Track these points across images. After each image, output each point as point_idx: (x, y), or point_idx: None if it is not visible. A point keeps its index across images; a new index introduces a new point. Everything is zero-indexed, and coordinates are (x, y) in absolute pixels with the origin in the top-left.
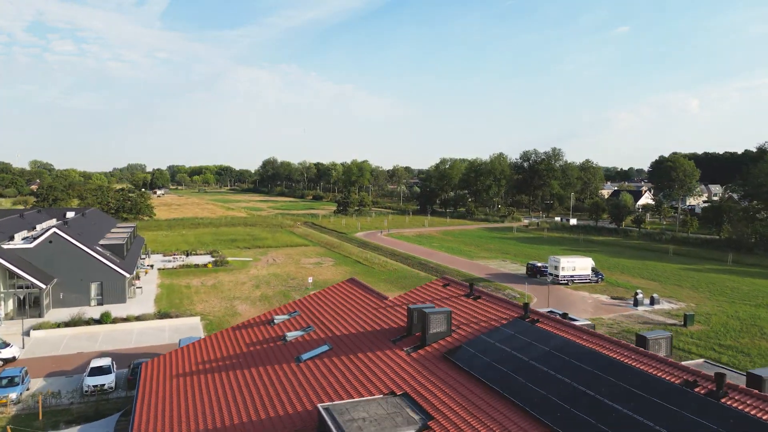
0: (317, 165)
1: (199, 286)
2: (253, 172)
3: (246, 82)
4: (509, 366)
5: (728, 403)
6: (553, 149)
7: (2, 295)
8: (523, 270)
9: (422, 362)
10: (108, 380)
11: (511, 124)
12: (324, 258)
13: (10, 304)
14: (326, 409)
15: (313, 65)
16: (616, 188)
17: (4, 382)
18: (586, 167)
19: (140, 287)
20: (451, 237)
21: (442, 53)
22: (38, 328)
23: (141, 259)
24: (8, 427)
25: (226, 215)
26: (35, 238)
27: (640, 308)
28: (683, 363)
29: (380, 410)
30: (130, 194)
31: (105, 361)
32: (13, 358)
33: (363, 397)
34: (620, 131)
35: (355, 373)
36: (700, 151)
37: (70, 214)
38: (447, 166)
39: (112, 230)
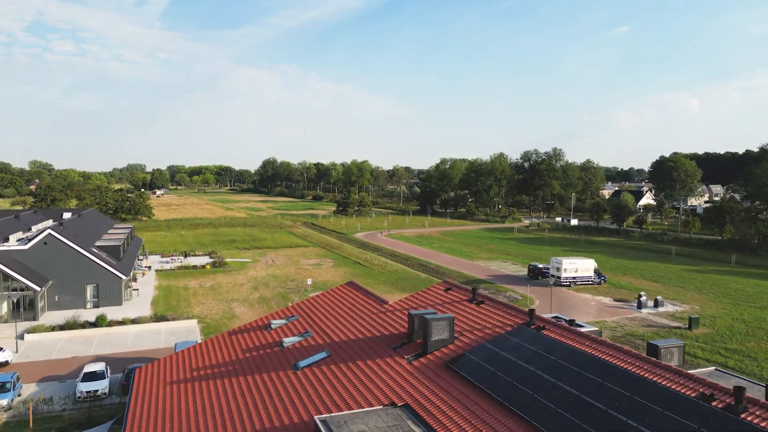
0: (317, 165)
1: (197, 287)
2: (252, 172)
3: (246, 82)
4: (515, 376)
5: (748, 418)
6: (554, 149)
7: None
8: (524, 271)
9: (424, 371)
10: (101, 386)
11: (511, 124)
12: (323, 259)
13: (4, 307)
14: (323, 422)
15: (313, 65)
16: (616, 188)
17: None
18: (587, 167)
19: (137, 289)
20: (452, 237)
21: (442, 53)
22: (32, 332)
23: (138, 260)
24: None
25: (225, 215)
26: (30, 240)
27: (644, 311)
28: (693, 371)
29: (380, 423)
30: (129, 194)
31: (99, 366)
32: (6, 363)
33: (362, 407)
34: (620, 131)
35: (353, 381)
36: (700, 151)
37: (66, 215)
38: (447, 166)
39: (109, 231)
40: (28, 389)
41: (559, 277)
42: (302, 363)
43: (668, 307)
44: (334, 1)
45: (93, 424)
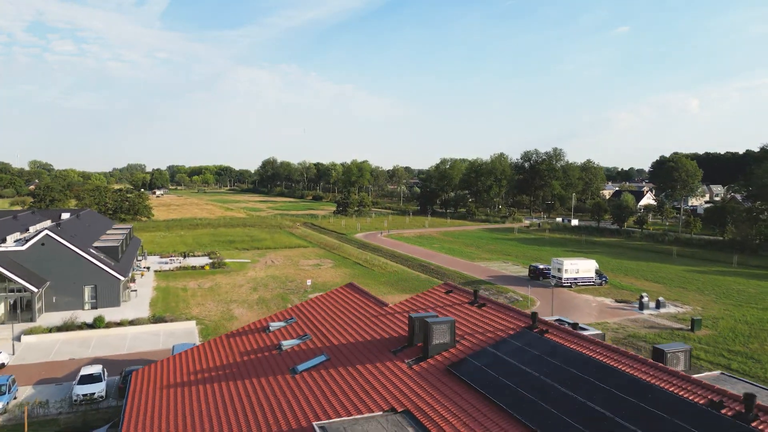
0: (317, 165)
1: (196, 288)
2: (252, 172)
3: (246, 82)
4: (518, 382)
5: (759, 427)
6: (555, 149)
7: None
8: (524, 272)
9: (424, 376)
10: (98, 389)
11: (512, 124)
12: (323, 260)
13: (1, 309)
14: (322, 428)
15: (313, 65)
16: (617, 188)
17: None
18: (588, 167)
19: (135, 290)
20: (452, 238)
21: (442, 53)
22: (29, 333)
23: (137, 261)
24: None
25: (224, 216)
26: (27, 241)
27: (646, 312)
28: (699, 375)
29: (380, 429)
30: (128, 195)
31: (95, 369)
32: (2, 365)
33: (362, 413)
34: (620, 131)
35: (353, 386)
36: (700, 151)
37: (65, 216)
38: (447, 166)
39: (108, 232)
40: (24, 392)
41: (561, 278)
42: (301, 367)
43: (670, 309)
44: (334, 1)
45: (89, 428)
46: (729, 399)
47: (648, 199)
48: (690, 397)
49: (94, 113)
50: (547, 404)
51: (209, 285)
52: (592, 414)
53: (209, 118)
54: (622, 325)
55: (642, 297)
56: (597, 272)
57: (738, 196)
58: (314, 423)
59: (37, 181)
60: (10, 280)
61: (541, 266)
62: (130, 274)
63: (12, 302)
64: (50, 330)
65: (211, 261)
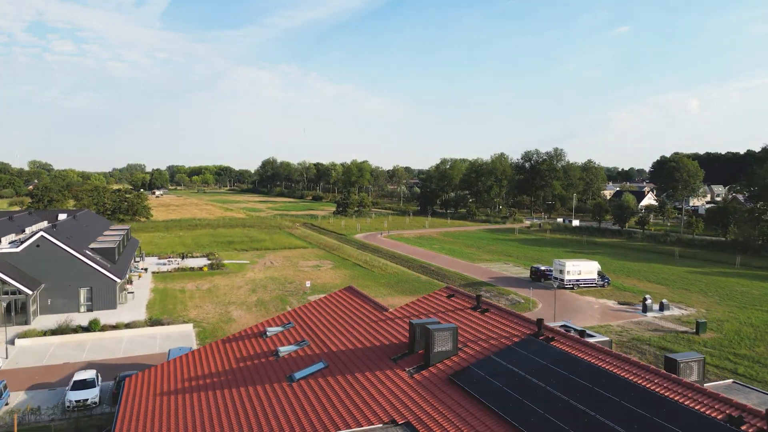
0: (317, 165)
1: (194, 290)
2: (252, 172)
3: (246, 82)
4: (524, 393)
5: None
6: (555, 149)
7: None
8: (526, 273)
9: (426, 385)
10: (92, 395)
11: (512, 124)
12: (323, 261)
13: None
14: None
15: (313, 65)
16: (618, 189)
17: None
18: (588, 167)
19: (132, 292)
20: (452, 238)
21: (442, 54)
22: (23, 336)
23: (135, 262)
24: None
25: (224, 216)
26: (22, 242)
27: (650, 314)
28: (710, 384)
29: None
30: (127, 195)
31: (89, 374)
32: None
33: (361, 425)
34: (620, 131)
35: (352, 396)
36: (701, 151)
37: (62, 216)
38: (447, 167)
39: (105, 233)
40: (17, 398)
41: (563, 280)
42: (298, 374)
43: (674, 311)
44: (333, 1)
45: None
46: (749, 414)
47: (649, 200)
48: (707, 412)
49: (94, 113)
50: (554, 416)
51: (207, 286)
52: (601, 427)
53: (209, 118)
54: (625, 328)
55: (645, 299)
56: (599, 274)
57: (740, 197)
58: None
59: (36, 181)
60: (4, 282)
61: (543, 267)
62: (127, 276)
63: (6, 305)
64: (45, 333)
65: (209, 262)
